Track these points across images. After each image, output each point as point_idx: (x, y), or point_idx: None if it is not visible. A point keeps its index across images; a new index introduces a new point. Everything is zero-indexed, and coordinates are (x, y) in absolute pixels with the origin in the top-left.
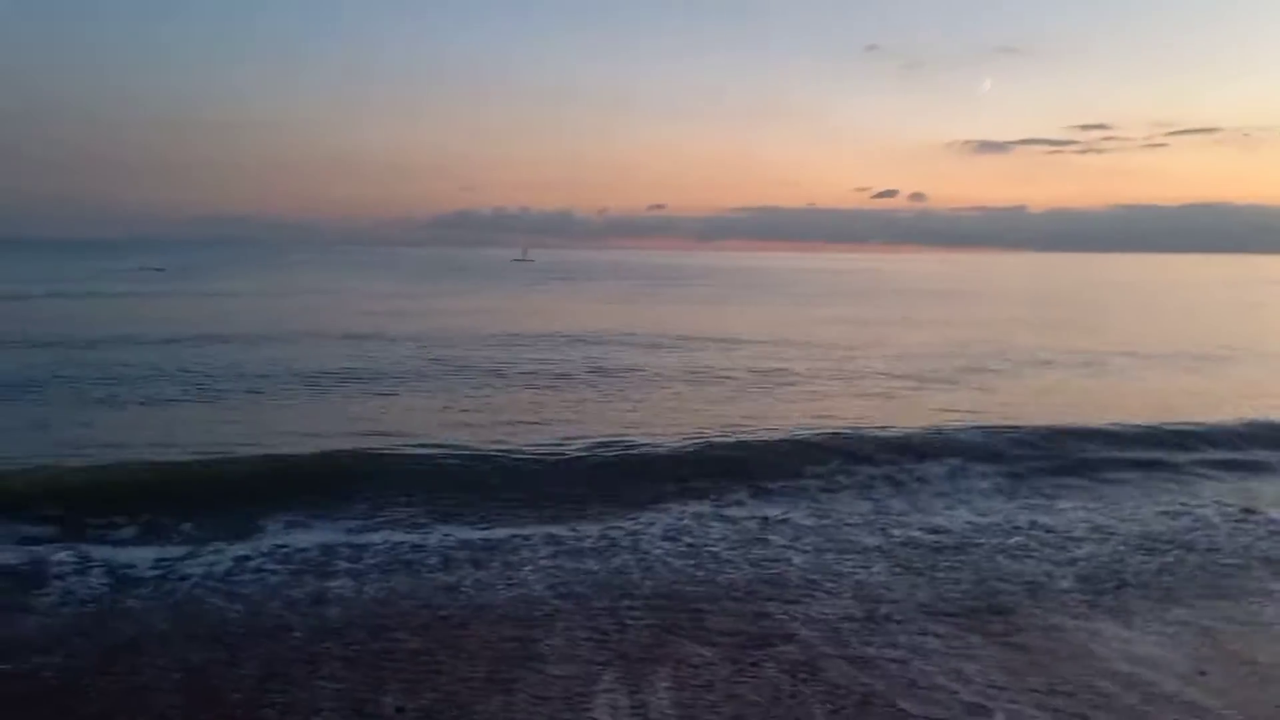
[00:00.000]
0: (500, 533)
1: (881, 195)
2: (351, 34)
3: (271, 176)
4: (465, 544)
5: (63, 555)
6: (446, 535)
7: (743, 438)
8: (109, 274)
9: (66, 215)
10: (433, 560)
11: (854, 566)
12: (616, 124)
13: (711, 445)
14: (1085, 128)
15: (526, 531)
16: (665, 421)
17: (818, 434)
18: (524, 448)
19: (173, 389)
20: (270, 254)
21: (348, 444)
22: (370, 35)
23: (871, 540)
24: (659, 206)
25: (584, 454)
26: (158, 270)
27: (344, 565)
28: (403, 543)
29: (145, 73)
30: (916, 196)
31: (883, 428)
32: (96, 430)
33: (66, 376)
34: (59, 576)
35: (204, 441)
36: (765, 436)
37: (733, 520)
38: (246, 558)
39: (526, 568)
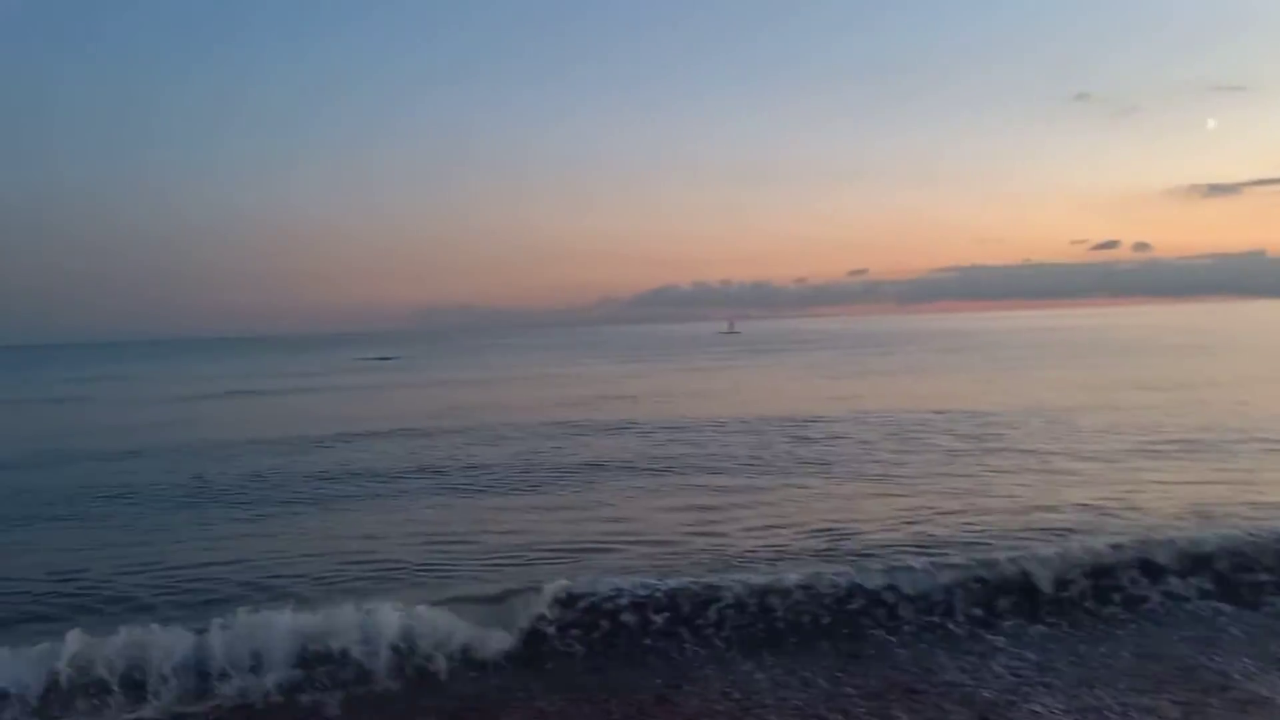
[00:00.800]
0: None
1: (1101, 246)
2: (549, 131)
3: (483, 268)
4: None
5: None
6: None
7: (956, 517)
8: (345, 366)
9: (305, 312)
10: None
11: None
12: (813, 192)
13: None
14: None
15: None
16: (871, 508)
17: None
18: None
19: (418, 483)
20: (485, 340)
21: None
22: (565, 128)
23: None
24: (860, 271)
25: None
26: (387, 359)
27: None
28: None
29: (373, 184)
30: (1140, 246)
31: (1116, 518)
32: (353, 528)
33: (303, 473)
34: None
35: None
36: (983, 519)
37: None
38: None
39: None
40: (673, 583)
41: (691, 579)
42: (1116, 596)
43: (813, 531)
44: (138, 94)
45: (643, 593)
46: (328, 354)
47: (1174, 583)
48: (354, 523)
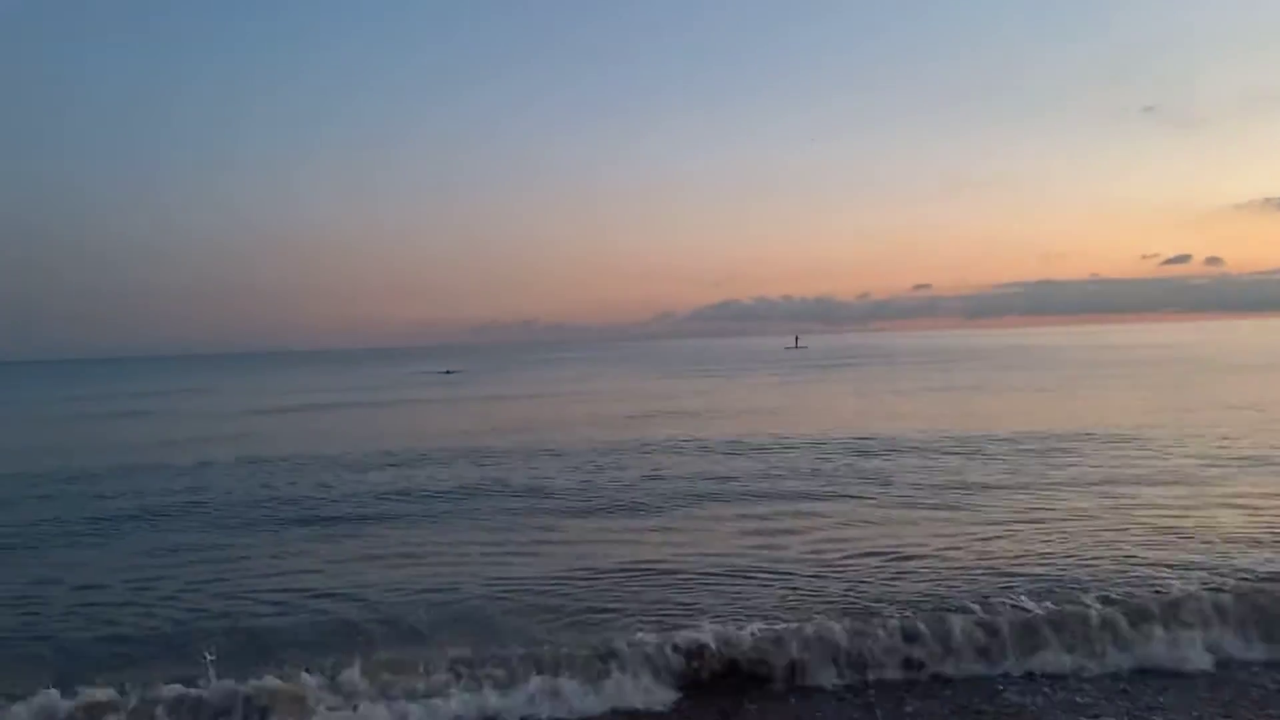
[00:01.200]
0: None
1: (1171, 261)
2: (609, 148)
3: (543, 284)
4: None
5: None
6: None
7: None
8: (408, 380)
9: (369, 327)
10: None
11: None
12: (875, 207)
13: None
14: None
15: None
16: (939, 531)
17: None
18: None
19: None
20: (545, 354)
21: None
22: (627, 144)
23: None
24: (924, 286)
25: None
26: (450, 373)
27: None
28: None
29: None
30: (1212, 261)
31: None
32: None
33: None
34: None
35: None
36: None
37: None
38: None
39: None
40: (753, 629)
41: (765, 626)
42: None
43: (875, 553)
44: (179, 106)
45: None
46: (391, 368)
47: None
48: (423, 541)
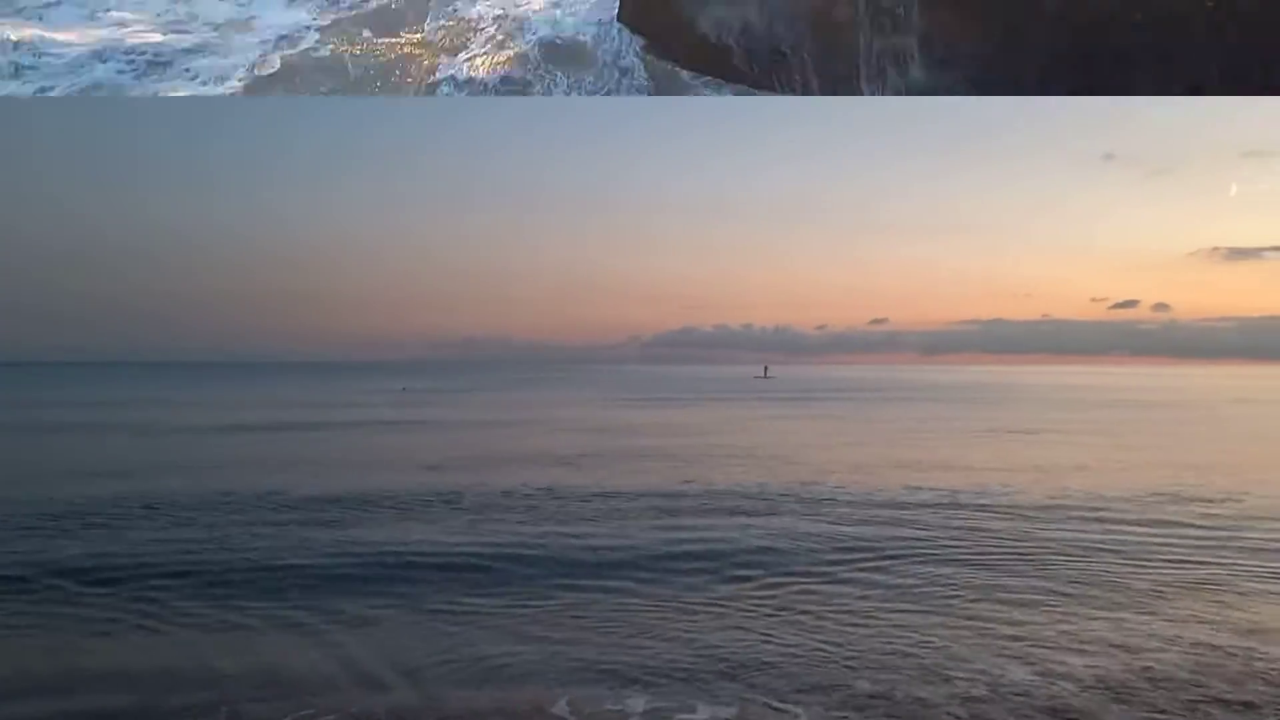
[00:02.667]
0: None
1: (1120, 306)
2: (577, 170)
3: (506, 304)
4: None
5: None
6: None
7: None
8: (369, 398)
9: (340, 338)
10: None
11: None
12: (838, 241)
13: None
14: None
15: None
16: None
17: None
18: None
19: None
20: (518, 372)
21: None
22: (594, 169)
23: None
24: (880, 321)
25: None
26: (405, 390)
27: None
28: None
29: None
30: (1159, 307)
31: None
32: None
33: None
34: None
35: None
36: None
37: None
38: None
39: None
40: None
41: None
42: None
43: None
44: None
45: None
46: (349, 383)
47: None
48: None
